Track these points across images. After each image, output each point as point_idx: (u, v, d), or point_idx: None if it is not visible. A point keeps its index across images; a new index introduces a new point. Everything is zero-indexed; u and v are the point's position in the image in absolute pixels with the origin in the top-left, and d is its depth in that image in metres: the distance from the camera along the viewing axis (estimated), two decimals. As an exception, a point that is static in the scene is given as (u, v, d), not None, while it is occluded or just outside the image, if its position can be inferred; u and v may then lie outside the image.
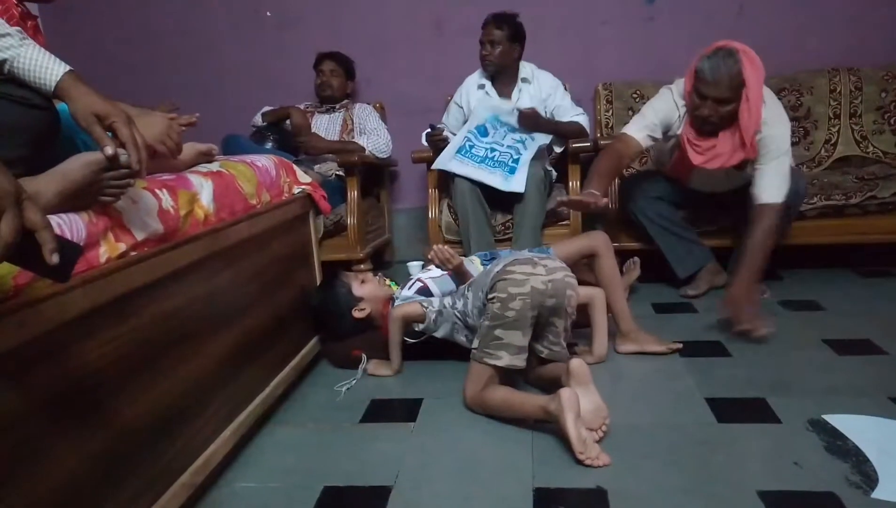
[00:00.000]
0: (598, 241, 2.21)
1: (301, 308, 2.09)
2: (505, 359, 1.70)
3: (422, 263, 3.26)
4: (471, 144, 2.81)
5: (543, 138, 2.87)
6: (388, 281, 2.28)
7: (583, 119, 2.95)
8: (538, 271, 1.72)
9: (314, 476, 1.50)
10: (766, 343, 2.10)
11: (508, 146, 2.78)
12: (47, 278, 0.87)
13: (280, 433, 1.74)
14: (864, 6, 3.17)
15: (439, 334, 2.00)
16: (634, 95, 3.23)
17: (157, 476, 1.26)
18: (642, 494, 1.35)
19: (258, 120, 3.25)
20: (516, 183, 2.70)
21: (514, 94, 2.99)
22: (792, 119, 3.08)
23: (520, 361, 1.72)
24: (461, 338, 1.96)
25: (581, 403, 1.51)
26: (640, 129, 2.40)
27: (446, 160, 2.79)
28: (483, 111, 2.91)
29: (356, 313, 2.11)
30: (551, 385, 1.68)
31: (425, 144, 3.00)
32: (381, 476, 1.48)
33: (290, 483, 1.48)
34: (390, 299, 2.17)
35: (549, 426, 1.57)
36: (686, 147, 2.35)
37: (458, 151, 2.80)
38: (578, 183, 2.91)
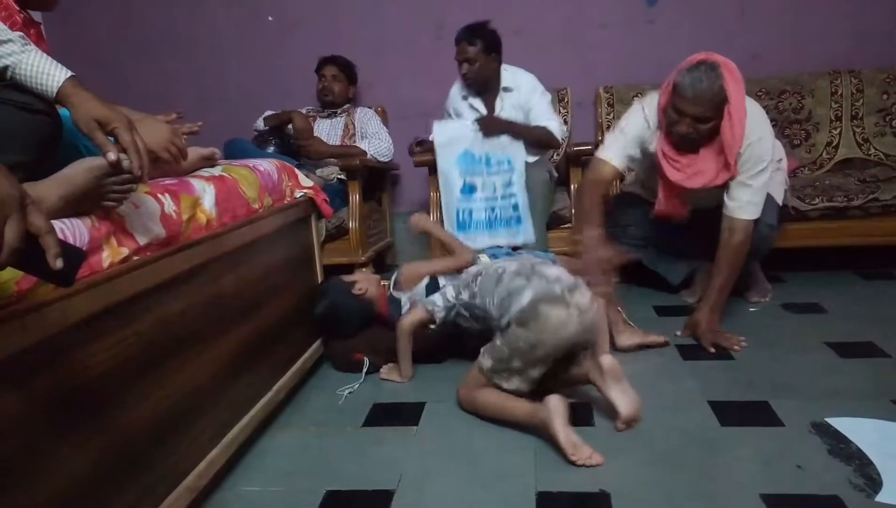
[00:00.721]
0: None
1: (303, 312, 2.10)
2: (514, 384, 1.69)
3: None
4: (468, 211, 2.78)
5: (521, 158, 2.80)
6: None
7: (554, 126, 2.85)
8: (572, 313, 1.64)
9: (317, 479, 1.50)
10: (768, 346, 2.10)
11: (502, 197, 2.77)
12: (51, 282, 0.87)
13: (282, 437, 1.74)
14: (864, 8, 3.17)
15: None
16: (636, 98, 3.23)
17: (160, 479, 1.26)
18: (645, 497, 1.35)
19: (260, 124, 3.25)
20: (526, 234, 2.76)
21: (497, 103, 2.90)
22: (793, 121, 3.11)
23: (526, 387, 1.69)
24: (462, 321, 1.98)
25: (618, 398, 1.62)
26: (617, 151, 2.26)
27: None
28: (450, 159, 2.79)
29: (356, 291, 2.16)
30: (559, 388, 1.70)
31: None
32: (383, 479, 1.48)
33: (292, 487, 1.49)
34: (379, 282, 2.26)
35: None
36: (662, 162, 2.19)
37: (461, 228, 2.76)
38: (579, 185, 2.91)
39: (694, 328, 2.18)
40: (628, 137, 2.26)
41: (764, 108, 2.98)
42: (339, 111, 3.35)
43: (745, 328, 2.24)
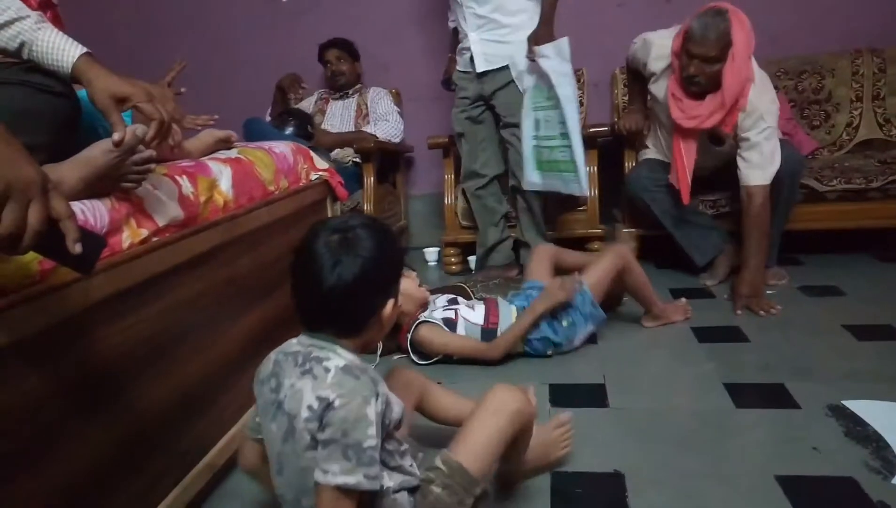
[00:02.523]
0: (623, 253, 2.12)
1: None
2: None
3: (438, 248, 3.26)
4: (536, 145, 2.59)
5: (571, 92, 2.49)
6: (426, 287, 2.16)
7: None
8: None
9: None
10: (785, 329, 2.09)
11: (561, 132, 2.48)
12: (70, 267, 0.88)
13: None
14: (888, -14, 3.11)
15: None
16: (652, 79, 3.20)
17: (180, 457, 1.28)
18: (659, 478, 1.35)
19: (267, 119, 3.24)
20: (585, 183, 2.52)
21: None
22: (813, 102, 3.07)
23: None
24: None
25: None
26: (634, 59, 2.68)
27: (532, 175, 2.63)
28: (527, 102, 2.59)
29: None
30: None
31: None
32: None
33: (309, 466, 1.50)
34: (423, 305, 2.07)
35: (566, 408, 1.57)
36: (670, 101, 2.42)
37: (539, 167, 2.60)
38: (596, 167, 2.90)
39: (743, 296, 2.28)
40: (638, 55, 2.64)
41: (783, 88, 3.00)
42: (350, 92, 3.35)
43: (761, 311, 2.24)
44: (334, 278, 0.97)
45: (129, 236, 1.17)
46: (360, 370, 0.97)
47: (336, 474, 0.90)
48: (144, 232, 1.21)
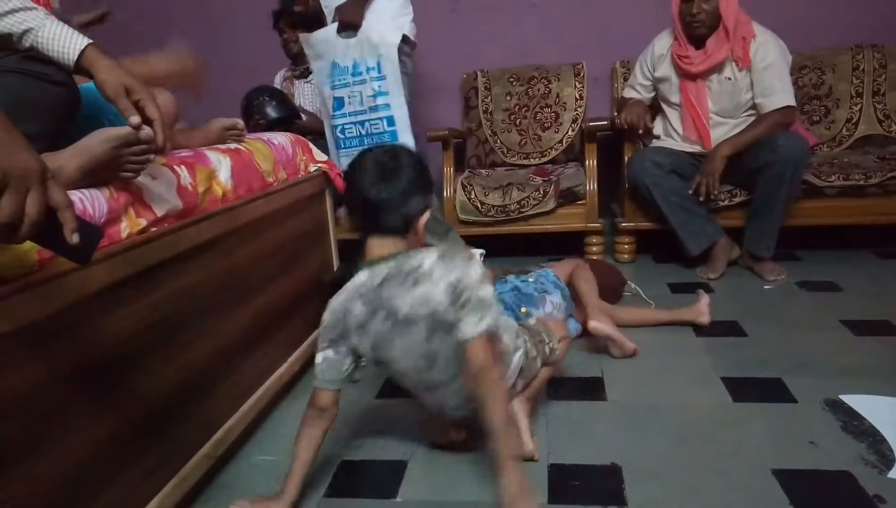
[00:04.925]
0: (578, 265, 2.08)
1: (317, 285, 2.11)
2: None
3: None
4: (341, 128, 2.55)
5: (393, 61, 2.41)
6: None
7: None
8: None
9: (331, 450, 1.52)
10: (782, 324, 2.09)
11: (371, 109, 2.47)
12: (67, 257, 0.88)
13: (297, 408, 1.75)
14: (889, -19, 3.10)
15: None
16: (652, 73, 3.19)
17: (179, 447, 1.28)
18: (656, 471, 1.36)
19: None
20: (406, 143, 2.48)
21: None
22: (813, 97, 3.06)
23: None
24: None
25: None
26: (634, 86, 2.87)
27: (339, 160, 2.56)
28: (322, 74, 2.54)
29: None
30: None
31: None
32: (396, 451, 1.50)
33: (307, 457, 1.50)
34: None
35: (564, 401, 1.57)
36: (676, 63, 2.65)
37: (339, 146, 2.56)
38: (595, 161, 2.89)
39: (711, 168, 2.51)
40: (642, 65, 2.83)
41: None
42: (309, 67, 3.09)
43: (760, 306, 2.24)
44: (387, 182, 1.21)
45: (127, 226, 1.17)
46: (450, 252, 1.23)
47: (476, 324, 1.17)
48: (143, 222, 1.21)
